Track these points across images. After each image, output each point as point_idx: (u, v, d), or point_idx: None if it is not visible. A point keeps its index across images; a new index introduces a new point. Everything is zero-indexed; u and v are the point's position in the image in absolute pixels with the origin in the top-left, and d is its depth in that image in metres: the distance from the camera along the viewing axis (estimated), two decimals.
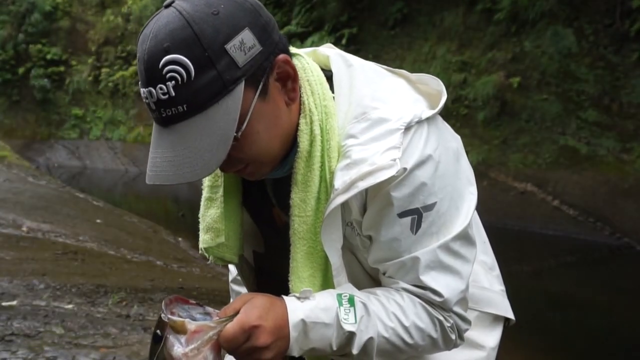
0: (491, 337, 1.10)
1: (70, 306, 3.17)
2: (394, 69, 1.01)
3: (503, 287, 1.15)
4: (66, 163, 19.80)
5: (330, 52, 1.02)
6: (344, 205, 0.91)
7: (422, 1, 11.50)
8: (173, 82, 0.79)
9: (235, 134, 0.83)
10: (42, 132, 21.15)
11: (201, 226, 1.09)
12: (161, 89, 0.80)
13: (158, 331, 0.81)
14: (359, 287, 0.97)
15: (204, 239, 1.08)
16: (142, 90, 0.83)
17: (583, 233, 8.00)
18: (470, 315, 1.03)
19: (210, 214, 1.06)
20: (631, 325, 5.39)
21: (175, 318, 0.80)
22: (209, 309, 0.84)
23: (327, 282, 0.96)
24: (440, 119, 0.96)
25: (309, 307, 0.87)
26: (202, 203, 1.10)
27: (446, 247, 0.90)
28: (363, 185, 0.86)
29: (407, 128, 0.88)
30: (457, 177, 0.92)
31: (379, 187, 0.88)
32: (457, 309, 0.94)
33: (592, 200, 8.30)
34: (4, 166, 10.63)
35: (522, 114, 9.63)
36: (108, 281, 3.98)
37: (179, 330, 0.79)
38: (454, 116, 9.97)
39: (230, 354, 0.86)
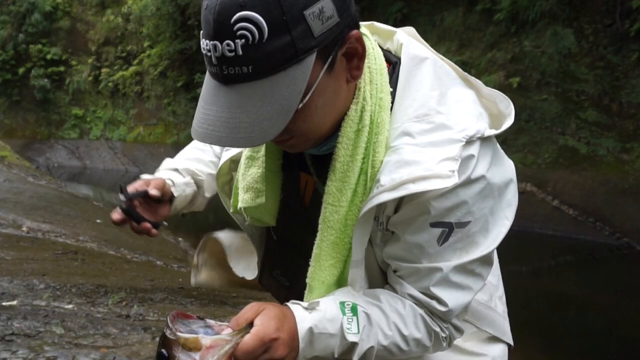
0: (492, 349, 1.09)
1: (70, 306, 3.17)
2: (468, 76, 0.96)
3: (505, 309, 1.15)
4: (66, 163, 19.79)
5: (405, 39, 0.97)
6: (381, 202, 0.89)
7: (422, 1, 11.50)
8: (243, 40, 0.73)
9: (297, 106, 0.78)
10: (42, 132, 21.15)
11: (240, 185, 1.06)
12: (228, 45, 0.74)
13: (163, 350, 0.76)
14: (371, 279, 0.97)
15: (244, 198, 1.05)
16: (205, 41, 0.77)
17: (583, 233, 8.00)
18: (468, 329, 1.04)
19: (251, 173, 1.03)
20: (631, 325, 5.39)
21: (187, 335, 0.76)
22: (210, 322, 0.81)
23: (344, 273, 0.95)
24: (496, 141, 0.92)
25: (317, 318, 0.87)
26: (242, 161, 1.06)
27: (464, 267, 0.90)
28: (414, 188, 0.83)
29: (468, 142, 0.85)
30: (498, 201, 0.90)
31: (422, 193, 0.85)
32: (455, 320, 0.95)
33: (592, 200, 8.30)
34: (4, 166, 10.61)
35: (522, 114, 9.62)
36: (108, 281, 3.98)
37: (191, 347, 0.75)
38: None
39: None
